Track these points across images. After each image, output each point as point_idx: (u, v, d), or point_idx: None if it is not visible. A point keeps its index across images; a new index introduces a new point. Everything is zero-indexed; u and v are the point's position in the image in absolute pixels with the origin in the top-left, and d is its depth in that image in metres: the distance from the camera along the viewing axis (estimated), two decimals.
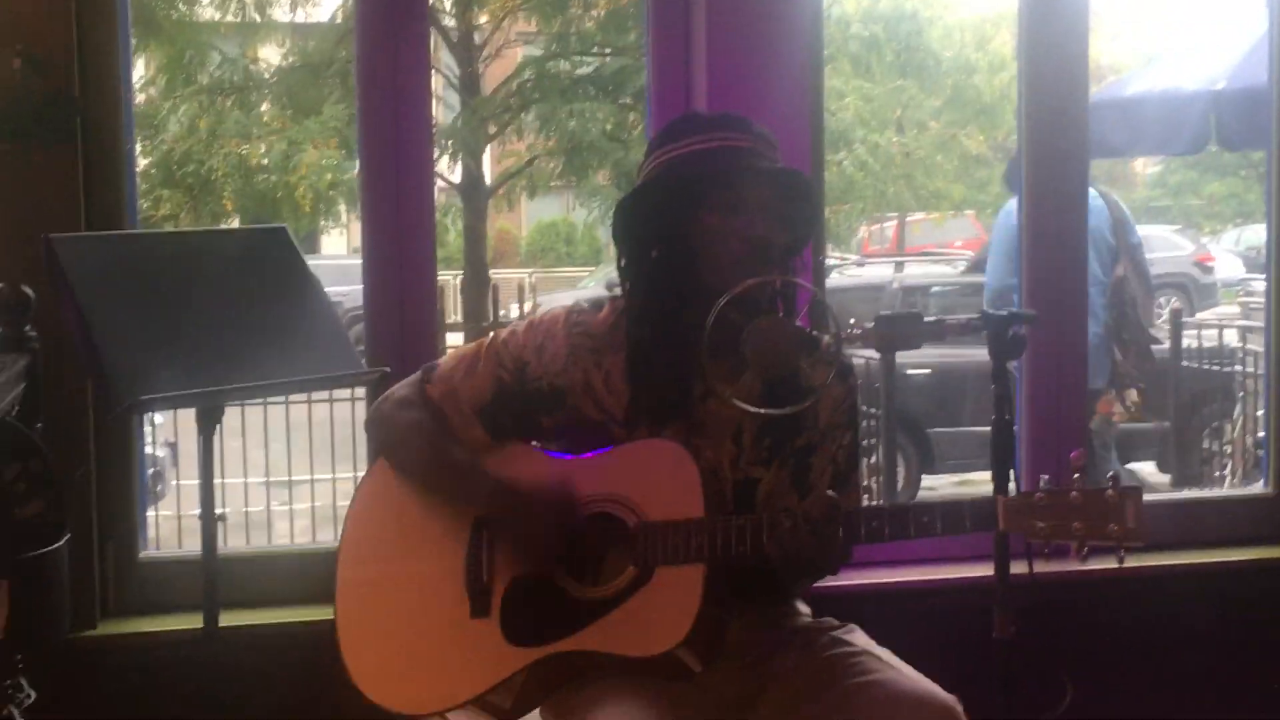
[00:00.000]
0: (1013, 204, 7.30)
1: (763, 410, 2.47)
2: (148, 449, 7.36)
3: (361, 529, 2.75)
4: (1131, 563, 3.66)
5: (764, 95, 3.54)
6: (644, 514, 2.53)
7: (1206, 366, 8.64)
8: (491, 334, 2.76)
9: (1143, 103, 7.89)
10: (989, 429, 2.48)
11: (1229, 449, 8.42)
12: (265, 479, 8.81)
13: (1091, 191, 7.26)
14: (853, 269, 12.96)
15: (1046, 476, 2.38)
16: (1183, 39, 23.46)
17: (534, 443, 2.69)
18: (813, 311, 2.55)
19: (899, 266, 12.66)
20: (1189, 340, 8.98)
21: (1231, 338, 9.08)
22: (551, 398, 2.66)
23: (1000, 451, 2.49)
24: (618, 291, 2.70)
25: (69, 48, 3.35)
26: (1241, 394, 8.30)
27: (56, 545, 2.43)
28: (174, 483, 8.92)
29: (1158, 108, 7.76)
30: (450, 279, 16.73)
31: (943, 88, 15.66)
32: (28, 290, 3.04)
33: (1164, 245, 20.61)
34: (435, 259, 3.66)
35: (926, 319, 2.45)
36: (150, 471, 8.05)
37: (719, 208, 2.56)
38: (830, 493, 2.47)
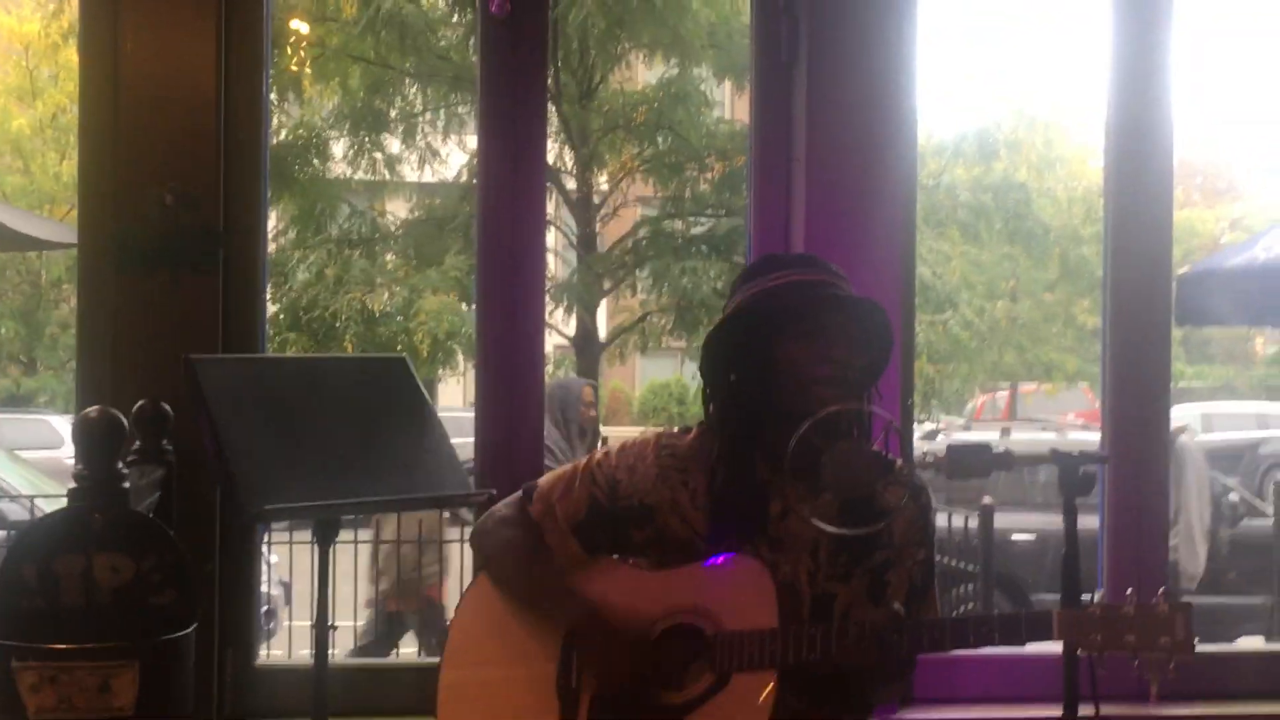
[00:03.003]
0: None
1: (840, 530, 2.64)
2: (263, 587, 7.57)
3: (464, 635, 2.94)
4: (1218, 710, 3.75)
5: (858, 254, 3.71)
6: (722, 624, 2.68)
7: None
8: (587, 456, 2.97)
9: (1245, 274, 7.99)
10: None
11: None
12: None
13: None
14: (959, 433, 13.05)
15: (1130, 590, 2.52)
16: None
17: (623, 558, 2.87)
18: (888, 438, 2.72)
19: (1005, 432, 12.73)
20: None
21: None
22: (641, 515, 2.84)
23: (1069, 578, 2.64)
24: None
25: (215, 188, 3.64)
26: None
27: (186, 632, 2.63)
28: (286, 623, 9.10)
29: (1260, 279, 7.86)
30: None
31: (1050, 257, 15.79)
32: (166, 407, 3.26)
33: None
34: (543, 400, 3.86)
35: (995, 450, 2.62)
36: (264, 609, 8.24)
37: (797, 335, 2.75)
38: (896, 605, 2.64)
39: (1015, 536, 9.05)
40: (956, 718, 3.71)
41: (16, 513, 8.90)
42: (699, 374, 2.89)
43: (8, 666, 2.51)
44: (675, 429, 2.93)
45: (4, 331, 20.04)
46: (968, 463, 2.60)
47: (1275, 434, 19.48)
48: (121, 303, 3.57)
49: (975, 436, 12.23)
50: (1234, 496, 9.63)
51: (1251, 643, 8.71)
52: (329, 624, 3.13)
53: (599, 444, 8.01)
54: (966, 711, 3.74)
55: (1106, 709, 3.35)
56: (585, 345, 14.50)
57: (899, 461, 2.61)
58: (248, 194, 3.72)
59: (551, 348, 16.93)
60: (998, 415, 21.47)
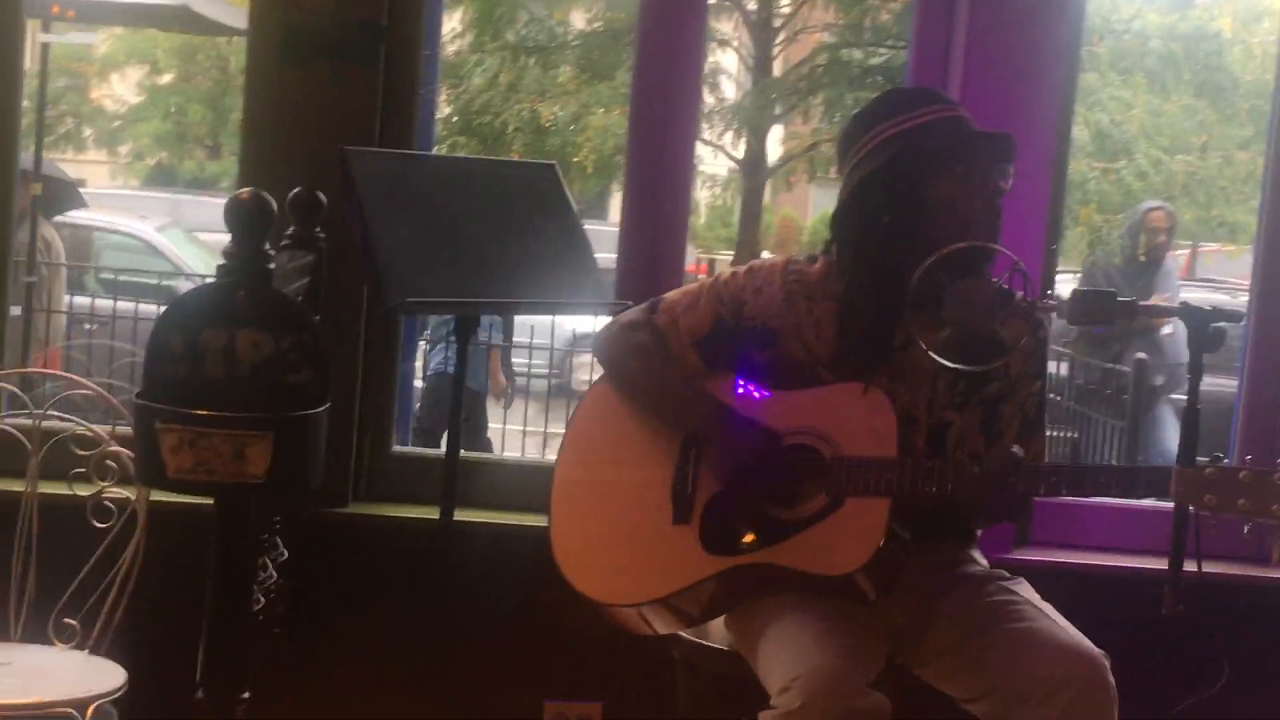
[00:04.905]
0: None
1: (958, 365, 2.67)
2: (418, 383, 7.79)
3: (580, 435, 3.03)
4: None
5: (1016, 91, 3.67)
6: (840, 449, 2.74)
7: None
8: (716, 274, 3.02)
9: None
10: None
11: None
12: (522, 426, 9.22)
13: None
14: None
15: (1250, 457, 2.54)
16: None
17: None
18: (1012, 279, 2.72)
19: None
20: None
21: None
22: (763, 337, 2.88)
23: (1188, 431, 2.64)
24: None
25: None
26: None
27: (318, 410, 2.74)
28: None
29: None
30: (729, 258, 17.02)
31: (1238, 113, 15.23)
32: (320, 195, 3.30)
33: None
34: (687, 218, 3.90)
35: (1121, 298, 2.61)
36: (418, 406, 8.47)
37: (952, 173, 2.77)
38: (1015, 448, 2.68)
39: (1174, 395, 8.90)
40: (1067, 561, 3.72)
41: None
42: (841, 210, 2.90)
43: (152, 428, 2.64)
44: (802, 256, 2.96)
45: (192, 116, 20.47)
46: (1090, 309, 2.60)
47: None
48: (285, 91, 3.65)
49: None
50: None
51: None
52: (463, 417, 3.24)
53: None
54: (1079, 557, 3.75)
55: (1224, 568, 3.38)
56: (753, 170, 14.43)
57: (1019, 295, 2.61)
58: None
59: (726, 170, 16.87)
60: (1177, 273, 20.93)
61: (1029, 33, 3.70)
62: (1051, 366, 8.13)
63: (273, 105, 3.67)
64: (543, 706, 3.73)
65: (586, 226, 3.51)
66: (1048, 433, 3.06)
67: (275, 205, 2.81)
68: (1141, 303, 2.68)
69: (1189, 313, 2.62)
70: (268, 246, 2.79)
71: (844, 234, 2.89)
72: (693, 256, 14.83)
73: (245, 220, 2.74)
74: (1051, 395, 8.06)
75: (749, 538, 2.77)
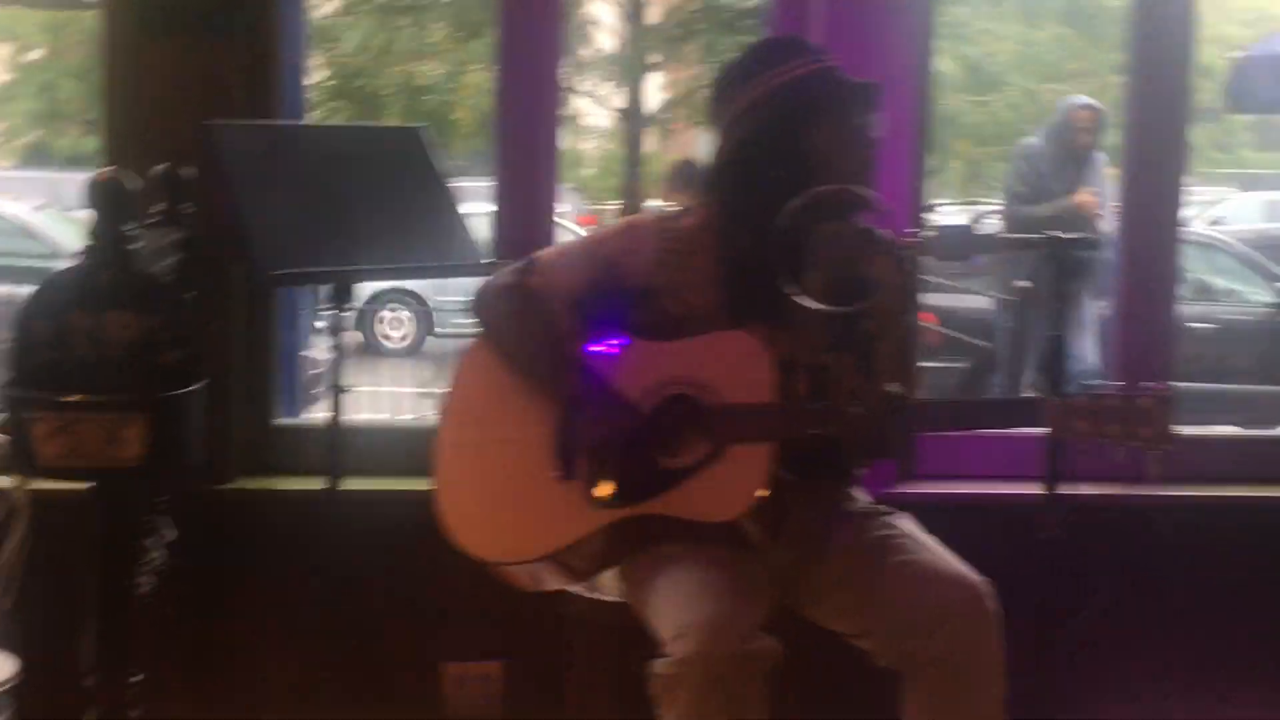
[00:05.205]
0: None
1: (827, 307, 2.70)
2: (313, 353, 7.73)
3: (463, 395, 3.01)
4: (1186, 491, 3.79)
5: (876, 32, 3.65)
6: (720, 397, 2.76)
7: None
8: (590, 233, 3.02)
9: None
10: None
11: None
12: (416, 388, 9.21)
13: None
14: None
15: (1117, 381, 2.60)
16: None
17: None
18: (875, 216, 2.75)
19: None
20: None
21: None
22: (640, 295, 2.89)
23: (1055, 365, 2.71)
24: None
25: None
26: None
27: (191, 389, 2.72)
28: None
29: None
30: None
31: (1108, 37, 15.46)
32: (185, 171, 3.24)
33: None
34: (556, 172, 3.89)
35: (981, 233, 2.66)
36: (311, 373, 8.41)
37: (830, 126, 2.79)
38: (895, 385, 2.71)
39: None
40: (951, 491, 3.77)
41: None
42: (720, 168, 2.91)
43: (23, 417, 2.61)
44: (674, 211, 2.97)
45: (64, 91, 20.03)
46: (951, 245, 2.66)
47: None
48: (145, 65, 3.59)
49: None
50: None
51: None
52: (342, 385, 3.24)
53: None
54: (962, 486, 3.80)
55: (1101, 488, 3.45)
56: (632, 118, 14.42)
57: (885, 233, 2.65)
58: None
59: (610, 121, 16.86)
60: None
61: None
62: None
63: (134, 80, 3.61)
64: (443, 669, 3.74)
65: (468, 184, 3.51)
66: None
67: (138, 183, 2.78)
68: (1002, 235, 2.74)
69: (1051, 243, 2.68)
70: (132, 225, 2.76)
71: (725, 190, 2.89)
72: (582, 209, 14.83)
73: (106, 200, 2.73)
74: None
75: (606, 490, 2.79)
